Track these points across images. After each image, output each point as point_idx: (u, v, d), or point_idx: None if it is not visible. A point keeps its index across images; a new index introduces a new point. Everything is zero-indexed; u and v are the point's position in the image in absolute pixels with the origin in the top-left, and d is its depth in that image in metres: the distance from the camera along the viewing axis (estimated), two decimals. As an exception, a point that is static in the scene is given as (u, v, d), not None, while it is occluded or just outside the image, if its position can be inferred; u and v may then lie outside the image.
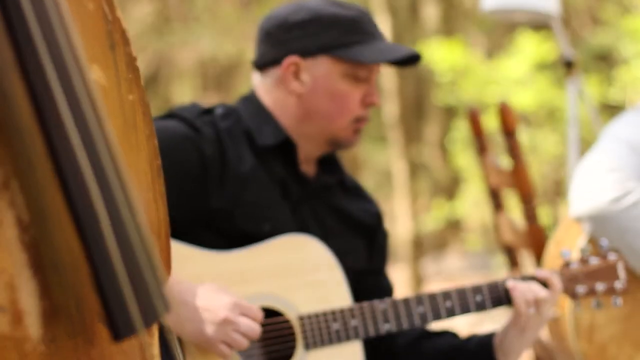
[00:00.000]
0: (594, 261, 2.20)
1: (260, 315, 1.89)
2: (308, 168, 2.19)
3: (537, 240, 2.81)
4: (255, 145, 2.11)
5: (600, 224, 2.48)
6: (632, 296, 2.53)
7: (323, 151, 2.18)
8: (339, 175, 2.23)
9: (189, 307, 1.85)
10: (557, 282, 2.12)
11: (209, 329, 1.85)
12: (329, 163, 2.23)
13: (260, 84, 2.16)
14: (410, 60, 2.14)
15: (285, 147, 2.13)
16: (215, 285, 1.89)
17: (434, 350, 2.20)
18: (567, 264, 2.19)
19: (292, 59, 2.09)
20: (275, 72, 2.12)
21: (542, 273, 2.14)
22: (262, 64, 2.15)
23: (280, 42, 2.11)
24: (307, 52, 2.09)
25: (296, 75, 2.10)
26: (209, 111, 2.12)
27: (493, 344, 2.15)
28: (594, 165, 2.53)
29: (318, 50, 2.09)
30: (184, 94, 12.67)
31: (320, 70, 2.09)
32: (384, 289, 2.27)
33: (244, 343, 1.86)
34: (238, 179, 2.05)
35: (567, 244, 2.57)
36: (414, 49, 2.14)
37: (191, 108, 2.11)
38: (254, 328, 1.87)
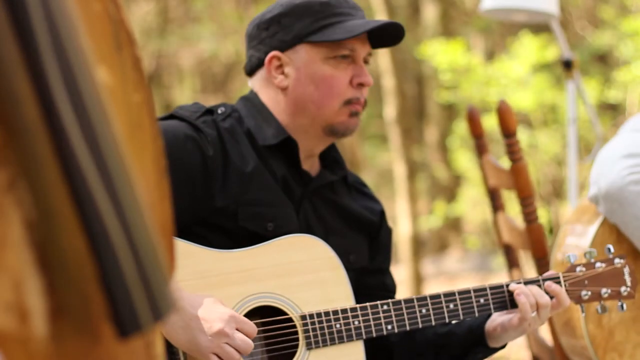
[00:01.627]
0: (600, 266, 2.20)
1: (255, 330, 1.89)
2: (311, 166, 2.20)
3: (536, 240, 2.81)
4: (256, 145, 2.11)
5: (617, 205, 2.49)
6: None
7: (323, 143, 2.18)
8: (342, 173, 2.24)
9: (185, 315, 1.85)
10: (564, 297, 2.13)
11: (203, 339, 1.85)
12: (332, 161, 2.24)
13: (254, 87, 2.18)
14: (390, 36, 2.14)
15: (287, 146, 2.13)
16: (214, 298, 1.89)
17: (425, 340, 2.21)
18: (572, 268, 2.19)
19: (272, 55, 2.11)
20: (262, 72, 2.14)
21: (548, 285, 2.14)
22: (250, 69, 2.17)
23: (261, 42, 2.13)
24: (285, 45, 2.10)
25: (280, 69, 2.11)
26: (210, 111, 2.13)
27: (484, 330, 2.15)
28: (612, 150, 2.55)
29: (294, 40, 2.10)
30: (184, 94, 12.66)
31: (301, 60, 2.10)
32: (387, 288, 2.28)
33: (236, 357, 1.87)
34: (241, 178, 2.06)
35: (579, 230, 2.59)
36: (392, 20, 2.13)
37: (192, 108, 2.12)
38: (248, 343, 1.87)
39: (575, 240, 2.61)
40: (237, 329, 1.87)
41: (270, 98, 2.15)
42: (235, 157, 2.07)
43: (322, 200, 2.19)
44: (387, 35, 2.13)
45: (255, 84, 2.17)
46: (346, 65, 2.10)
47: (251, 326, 1.89)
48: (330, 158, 2.23)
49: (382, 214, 2.29)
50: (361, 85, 2.11)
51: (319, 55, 2.09)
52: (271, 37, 2.11)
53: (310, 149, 2.17)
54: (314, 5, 2.09)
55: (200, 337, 1.85)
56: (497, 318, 2.13)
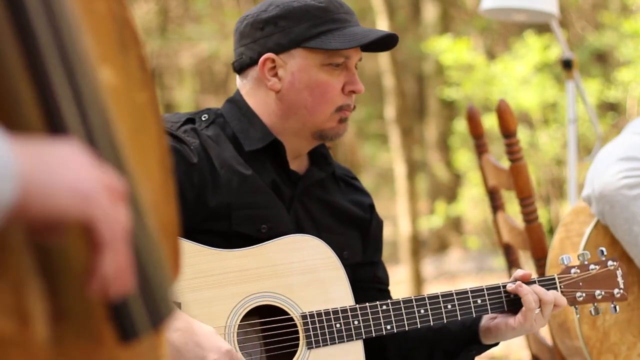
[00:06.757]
0: (594, 268, 2.22)
1: None
2: (299, 165, 2.19)
3: (536, 240, 2.81)
4: (243, 149, 2.11)
5: (609, 207, 2.49)
6: (638, 286, 2.55)
7: (311, 145, 2.18)
8: (330, 168, 2.23)
9: (179, 340, 1.82)
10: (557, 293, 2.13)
11: None
12: (319, 156, 2.22)
13: (242, 87, 2.17)
14: (385, 44, 2.14)
15: (274, 148, 2.13)
16: (213, 330, 1.87)
17: (419, 336, 2.21)
18: (567, 270, 2.21)
19: (267, 57, 2.09)
20: (253, 72, 2.13)
21: (542, 279, 2.15)
22: (240, 67, 2.15)
23: (255, 42, 2.11)
24: (280, 48, 2.09)
25: (273, 71, 2.10)
26: (191, 120, 2.12)
27: (478, 327, 2.15)
28: (610, 153, 2.55)
29: (291, 44, 2.09)
30: (184, 94, 12.66)
31: (296, 64, 2.09)
32: (380, 280, 2.28)
33: None
34: (229, 183, 2.05)
35: (576, 229, 2.59)
36: (389, 31, 2.14)
37: (173, 118, 2.12)
38: None
39: (571, 242, 2.62)
40: None
41: (259, 99, 2.14)
42: (221, 163, 2.06)
43: (313, 199, 2.19)
44: (380, 42, 2.13)
45: (245, 83, 2.16)
46: (339, 72, 2.10)
47: None
48: (318, 154, 2.22)
49: (371, 207, 2.29)
50: (352, 92, 2.11)
51: (315, 61, 2.09)
52: (266, 38, 2.10)
53: (298, 150, 2.17)
54: (312, 10, 2.09)
55: None
56: (494, 319, 2.14)
